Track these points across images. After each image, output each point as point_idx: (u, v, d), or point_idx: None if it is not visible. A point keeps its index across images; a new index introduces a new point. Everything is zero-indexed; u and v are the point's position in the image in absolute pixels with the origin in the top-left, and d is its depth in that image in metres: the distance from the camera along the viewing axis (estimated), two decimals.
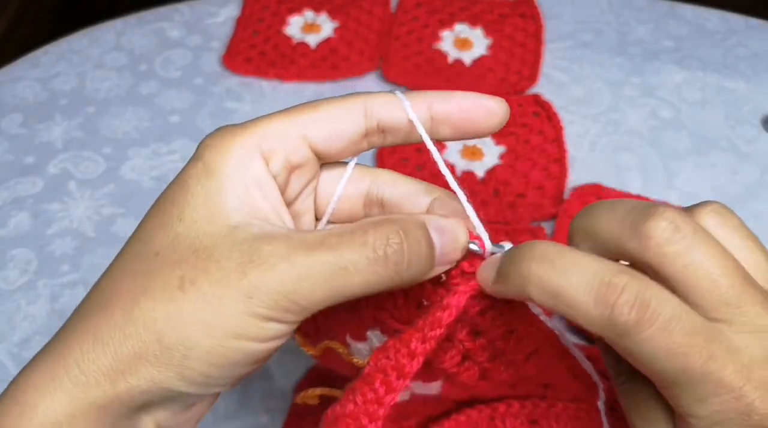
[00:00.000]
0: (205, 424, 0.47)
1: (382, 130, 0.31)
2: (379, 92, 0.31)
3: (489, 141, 0.61)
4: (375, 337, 0.34)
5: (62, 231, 0.57)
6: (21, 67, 0.68)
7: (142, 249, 0.28)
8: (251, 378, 0.47)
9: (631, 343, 0.24)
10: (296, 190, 0.31)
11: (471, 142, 0.61)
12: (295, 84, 0.66)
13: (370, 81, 0.67)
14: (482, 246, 0.29)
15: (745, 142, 0.62)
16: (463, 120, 0.31)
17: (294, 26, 0.70)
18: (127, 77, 0.67)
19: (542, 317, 0.31)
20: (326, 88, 0.66)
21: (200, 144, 0.29)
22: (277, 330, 0.27)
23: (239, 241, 0.27)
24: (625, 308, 0.24)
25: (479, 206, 0.56)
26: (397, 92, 0.31)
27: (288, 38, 0.69)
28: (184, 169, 0.29)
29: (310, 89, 0.66)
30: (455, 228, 0.29)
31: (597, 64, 0.68)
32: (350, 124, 0.30)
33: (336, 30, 0.70)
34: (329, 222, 0.33)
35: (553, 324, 0.32)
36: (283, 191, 0.30)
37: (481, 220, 0.30)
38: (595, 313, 0.24)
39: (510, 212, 0.56)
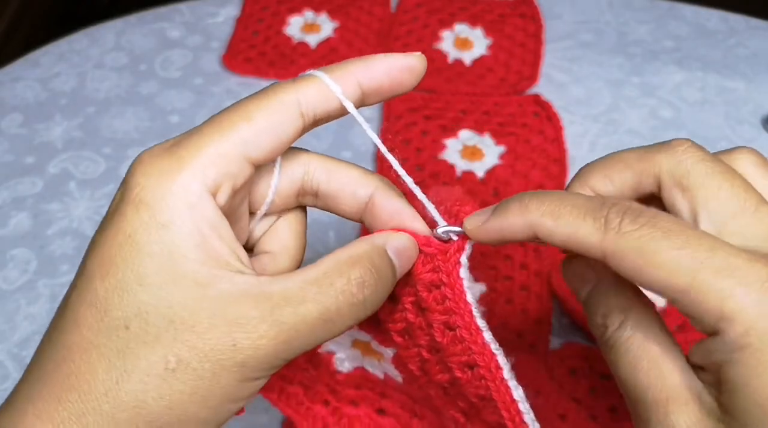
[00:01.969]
0: None
1: (319, 121, 0.29)
2: (305, 80, 0.29)
3: (489, 141, 0.61)
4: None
5: (62, 231, 0.57)
6: (21, 67, 0.68)
7: (104, 320, 0.26)
8: None
9: (629, 246, 0.25)
10: (236, 205, 0.30)
11: (471, 143, 0.61)
12: None
13: None
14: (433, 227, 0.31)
15: (745, 142, 0.62)
16: (390, 84, 0.30)
17: (294, 26, 0.70)
18: (127, 77, 0.67)
19: (486, 334, 0.31)
20: None
21: (131, 178, 0.26)
22: (264, 381, 0.27)
23: (217, 306, 0.26)
24: (619, 210, 0.25)
25: (479, 206, 0.56)
26: (321, 76, 0.29)
27: (288, 38, 0.69)
28: (119, 212, 0.26)
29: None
30: (410, 246, 0.30)
31: (597, 64, 0.68)
32: (290, 129, 0.28)
33: (336, 30, 0.70)
34: (265, 215, 0.32)
35: (498, 350, 0.31)
36: (226, 213, 0.28)
37: (431, 201, 0.31)
38: (592, 225, 0.25)
39: None
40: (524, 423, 0.32)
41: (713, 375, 0.25)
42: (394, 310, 0.33)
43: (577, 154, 0.61)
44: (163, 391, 0.25)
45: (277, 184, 0.30)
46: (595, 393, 0.47)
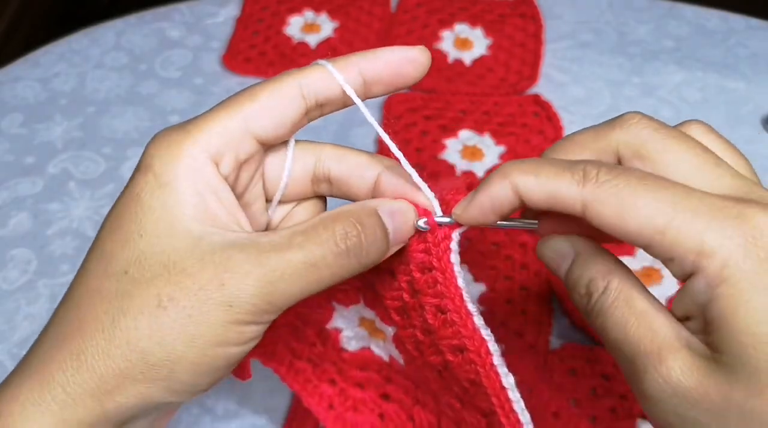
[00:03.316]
0: (205, 424, 0.47)
1: (320, 105, 0.31)
2: (309, 68, 0.31)
3: (489, 141, 0.61)
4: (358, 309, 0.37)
5: (62, 231, 0.57)
6: (21, 67, 0.68)
7: (107, 268, 0.28)
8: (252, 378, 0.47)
9: (607, 194, 0.26)
10: (245, 181, 0.32)
11: (471, 143, 0.61)
12: None
13: None
14: (430, 215, 0.31)
15: (745, 142, 0.62)
16: (393, 75, 0.31)
17: (294, 26, 0.70)
18: (127, 77, 0.67)
19: (476, 319, 0.32)
20: None
21: (145, 151, 0.29)
22: (255, 331, 0.28)
23: (207, 252, 0.28)
24: (594, 165, 0.27)
25: None
26: (325, 63, 0.31)
27: (288, 38, 0.69)
28: (132, 179, 0.29)
29: None
30: (404, 209, 0.31)
31: (597, 64, 0.68)
32: (291, 110, 0.30)
33: (336, 30, 0.70)
34: (280, 202, 0.34)
35: (488, 335, 0.32)
36: (233, 187, 0.31)
37: (429, 187, 0.32)
38: (571, 178, 0.27)
39: None
40: (513, 411, 0.32)
41: (698, 322, 0.26)
42: (392, 287, 0.34)
43: None
44: (154, 328, 0.27)
45: (290, 169, 0.32)
46: (595, 393, 0.47)
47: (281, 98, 0.30)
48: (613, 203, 0.26)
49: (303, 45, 0.69)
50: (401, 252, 0.32)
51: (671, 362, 0.26)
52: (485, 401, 0.33)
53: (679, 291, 0.27)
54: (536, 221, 0.32)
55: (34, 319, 0.52)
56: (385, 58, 0.31)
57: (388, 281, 0.34)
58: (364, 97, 0.32)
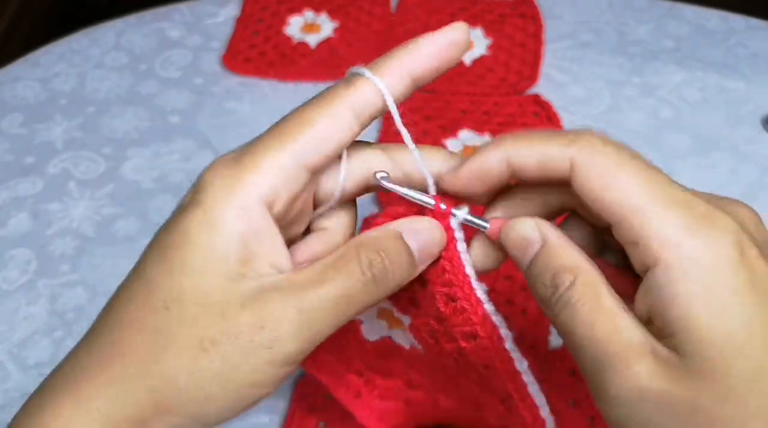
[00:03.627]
0: None
1: (372, 120, 0.31)
2: (357, 84, 0.30)
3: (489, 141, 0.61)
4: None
5: (62, 231, 0.57)
6: (21, 67, 0.68)
7: (148, 299, 0.29)
8: None
9: (596, 160, 0.27)
10: (297, 207, 0.31)
11: (471, 143, 0.61)
12: (295, 84, 0.66)
13: None
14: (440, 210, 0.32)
15: (745, 142, 0.62)
16: (438, 64, 0.31)
17: (294, 26, 0.70)
18: (127, 77, 0.67)
19: (486, 306, 0.32)
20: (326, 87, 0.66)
21: (200, 181, 0.29)
22: (289, 372, 0.29)
23: (247, 295, 0.28)
24: (585, 132, 0.28)
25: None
26: (371, 77, 0.31)
27: (288, 38, 0.69)
28: (182, 210, 0.29)
29: (310, 89, 0.66)
30: (428, 227, 0.31)
31: (597, 64, 0.68)
32: (347, 136, 0.30)
33: (336, 30, 0.70)
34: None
35: (500, 321, 0.32)
36: (284, 216, 0.30)
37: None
38: (561, 142, 0.28)
39: None
40: (529, 395, 0.32)
41: (659, 324, 0.26)
42: None
43: None
44: (194, 368, 0.28)
45: (343, 185, 0.32)
46: None
47: (336, 127, 0.30)
48: (600, 169, 0.27)
49: (303, 45, 0.69)
50: None
51: (638, 367, 0.25)
52: (501, 386, 0.33)
53: (638, 292, 0.27)
54: (487, 221, 0.31)
55: (34, 319, 0.52)
56: (427, 50, 0.31)
57: None
58: (413, 91, 0.32)
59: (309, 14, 0.71)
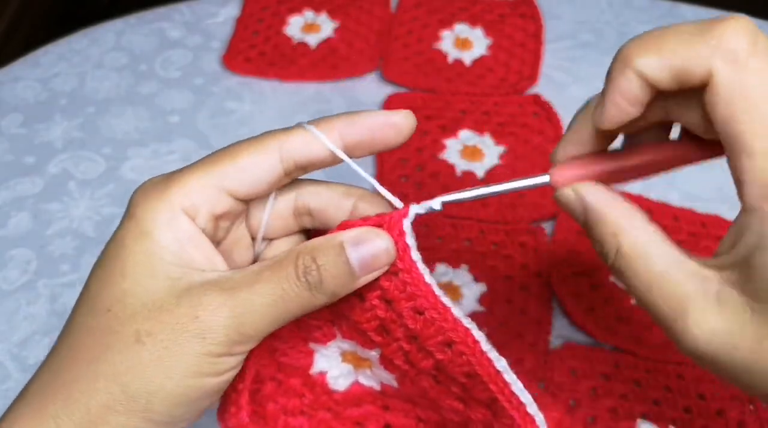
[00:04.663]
0: (204, 424, 0.47)
1: (301, 167, 0.33)
2: (292, 129, 0.32)
3: (489, 141, 0.61)
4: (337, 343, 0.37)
5: (62, 231, 0.57)
6: (21, 67, 0.68)
7: (93, 306, 0.31)
8: None
9: (746, 74, 0.25)
10: (225, 228, 0.34)
11: (471, 143, 0.61)
12: (295, 84, 0.66)
13: (370, 81, 0.67)
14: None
15: None
16: (373, 140, 0.32)
17: (294, 26, 0.70)
18: (127, 77, 0.67)
19: (454, 311, 0.32)
20: (326, 88, 0.66)
21: (131, 199, 0.32)
22: (228, 362, 0.31)
23: (184, 290, 0.30)
24: (735, 37, 0.26)
25: (479, 206, 0.56)
26: (308, 126, 0.32)
27: (288, 38, 0.69)
28: (119, 226, 0.32)
29: (310, 89, 0.66)
30: (371, 237, 0.31)
31: (597, 64, 0.68)
32: (268, 172, 0.32)
33: (336, 30, 0.70)
34: (264, 238, 0.36)
35: (471, 324, 0.32)
36: (212, 236, 0.33)
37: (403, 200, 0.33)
38: (704, 43, 0.26)
39: (510, 212, 0.56)
40: (513, 394, 0.32)
41: (736, 272, 0.26)
42: (364, 308, 0.34)
43: None
44: (134, 361, 0.29)
45: (269, 214, 0.35)
46: (595, 393, 0.47)
47: (259, 161, 0.32)
48: (742, 95, 0.25)
49: (303, 45, 0.69)
50: None
51: (698, 322, 0.26)
52: (485, 391, 0.33)
53: (730, 229, 0.27)
54: (547, 176, 0.31)
55: (34, 319, 0.52)
56: (366, 123, 0.32)
57: (358, 305, 0.34)
58: (342, 156, 0.33)
59: (309, 14, 0.71)
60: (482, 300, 0.51)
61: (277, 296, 0.30)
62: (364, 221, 0.32)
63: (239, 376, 0.35)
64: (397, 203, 0.33)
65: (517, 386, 0.33)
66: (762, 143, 0.25)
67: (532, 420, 0.33)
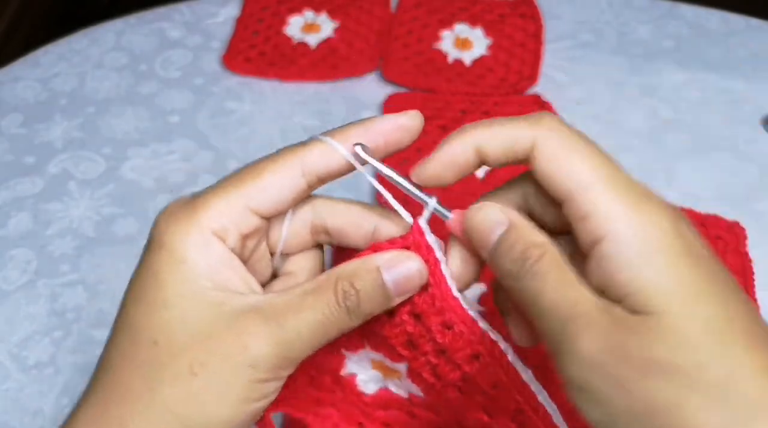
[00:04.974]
0: None
1: (321, 180, 0.33)
2: (309, 143, 0.33)
3: None
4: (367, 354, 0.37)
5: (62, 231, 0.57)
6: (21, 67, 0.68)
7: (137, 338, 0.31)
8: None
9: (559, 137, 0.30)
10: (251, 248, 0.34)
11: None
12: (295, 84, 0.66)
13: (370, 81, 0.67)
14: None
15: (745, 142, 0.62)
16: (386, 144, 0.33)
17: (294, 26, 0.70)
18: (127, 77, 0.67)
19: (481, 324, 0.33)
20: (326, 88, 0.66)
21: (156, 227, 0.32)
22: (274, 386, 0.31)
23: (231, 317, 0.30)
24: (547, 115, 0.31)
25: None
26: (325, 138, 0.33)
27: (288, 38, 0.69)
28: (147, 257, 0.31)
29: (310, 89, 0.66)
30: (404, 259, 0.32)
31: (597, 64, 0.68)
32: (292, 188, 0.32)
33: (336, 30, 0.70)
34: (282, 253, 0.36)
35: (497, 336, 0.33)
36: (240, 256, 0.33)
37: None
38: (524, 122, 0.30)
39: None
40: (540, 403, 0.33)
41: (610, 292, 0.28)
42: (393, 324, 0.34)
43: None
44: (189, 393, 0.30)
45: (288, 230, 0.35)
46: None
47: (283, 178, 0.32)
48: (558, 148, 0.29)
49: (303, 45, 0.69)
50: None
51: (599, 325, 0.27)
52: (511, 401, 0.33)
53: (588, 267, 0.29)
54: (450, 213, 0.33)
55: (34, 319, 0.52)
56: (378, 128, 0.33)
57: (387, 321, 0.34)
58: (363, 164, 0.33)
59: (309, 14, 0.71)
60: (483, 300, 0.51)
61: (320, 322, 0.31)
62: (392, 243, 0.33)
63: None
64: (406, 216, 0.33)
65: (543, 396, 0.33)
66: (590, 178, 0.29)
67: None
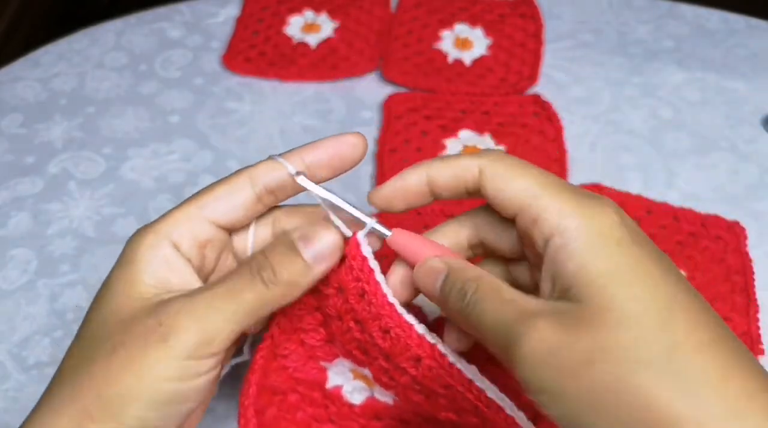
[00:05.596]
0: (204, 424, 0.47)
1: (271, 192, 0.36)
2: (260, 162, 0.36)
3: (489, 141, 0.61)
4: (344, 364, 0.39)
5: (62, 231, 0.57)
6: (21, 67, 0.68)
7: (81, 333, 0.34)
8: None
9: (503, 164, 0.34)
10: (213, 258, 0.37)
11: (471, 143, 0.61)
12: (295, 84, 0.66)
13: (370, 81, 0.67)
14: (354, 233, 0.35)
15: (745, 142, 0.62)
16: (333, 159, 0.36)
17: (294, 26, 0.70)
18: (127, 77, 0.67)
19: (418, 327, 0.34)
20: (326, 88, 0.66)
21: (127, 243, 0.35)
22: (197, 369, 0.32)
23: (153, 306, 0.33)
24: (489, 151, 0.35)
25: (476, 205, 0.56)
26: (274, 156, 0.36)
27: (288, 38, 0.69)
28: (113, 266, 0.35)
29: (310, 89, 0.66)
30: (317, 229, 0.34)
31: (597, 64, 0.68)
32: (241, 198, 0.36)
33: (336, 30, 0.70)
34: None
35: (436, 339, 0.35)
36: (201, 265, 0.36)
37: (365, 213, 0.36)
38: (470, 157, 0.35)
39: None
40: (490, 399, 0.34)
41: (559, 284, 0.30)
42: (343, 332, 0.36)
43: (576, 155, 0.61)
44: (108, 370, 0.32)
45: (253, 240, 0.38)
46: None
47: (232, 189, 0.36)
48: (503, 170, 0.33)
49: (303, 45, 0.69)
50: (343, 295, 0.35)
51: (540, 323, 0.29)
52: (464, 400, 0.34)
53: (542, 268, 0.31)
54: (389, 232, 0.35)
55: (34, 319, 0.52)
56: (324, 146, 0.36)
57: (339, 327, 0.36)
58: (312, 181, 0.36)
59: (309, 14, 0.71)
60: None
61: (230, 290, 0.33)
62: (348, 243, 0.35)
63: (244, 393, 0.38)
64: (345, 230, 0.35)
65: (492, 391, 0.34)
66: (537, 189, 0.32)
67: (513, 422, 0.34)
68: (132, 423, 0.31)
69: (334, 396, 0.40)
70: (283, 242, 0.34)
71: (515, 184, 0.33)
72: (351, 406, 0.40)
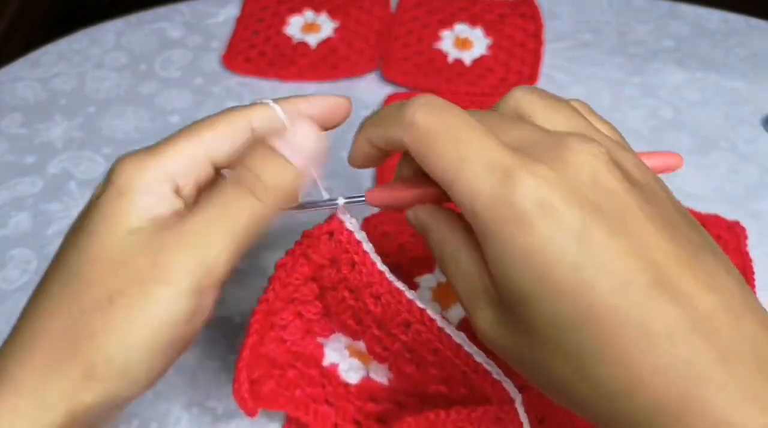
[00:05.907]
0: (204, 424, 0.47)
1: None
2: (255, 104, 0.35)
3: None
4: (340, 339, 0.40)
5: (62, 231, 0.57)
6: (21, 67, 0.68)
7: (64, 276, 0.31)
8: None
9: (415, 142, 0.30)
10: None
11: None
12: (295, 84, 0.66)
13: (370, 81, 0.67)
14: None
15: (745, 142, 0.62)
16: (324, 115, 0.36)
17: (294, 26, 0.70)
18: (127, 77, 0.67)
19: (408, 294, 0.35)
20: (326, 88, 0.66)
21: (111, 169, 0.32)
22: (200, 301, 0.30)
23: (144, 242, 0.30)
24: (413, 104, 0.31)
25: None
26: (269, 102, 0.35)
27: (288, 38, 0.69)
28: (95, 193, 0.32)
29: (310, 89, 0.66)
30: (298, 128, 0.33)
31: (597, 64, 0.68)
32: (240, 139, 0.34)
33: (336, 30, 0.70)
34: None
35: (425, 305, 0.36)
36: (190, 203, 0.33)
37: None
38: (397, 123, 0.31)
39: None
40: (478, 363, 0.35)
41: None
42: (338, 302, 0.37)
43: None
44: (108, 321, 0.29)
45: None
46: None
47: (235, 128, 0.34)
48: (419, 150, 0.30)
49: (303, 45, 0.69)
50: (336, 266, 0.35)
51: (481, 314, 0.29)
52: (453, 366, 0.36)
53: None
54: (363, 196, 0.35)
55: None
56: (317, 103, 0.36)
57: (336, 297, 0.37)
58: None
59: (309, 14, 0.71)
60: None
61: (221, 207, 0.31)
62: (319, 229, 0.36)
63: (239, 355, 0.37)
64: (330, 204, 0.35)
65: (480, 356, 0.35)
66: (448, 177, 0.29)
67: (501, 387, 0.35)
68: (136, 377, 0.30)
69: (331, 375, 0.41)
70: (258, 146, 0.32)
71: (430, 166, 0.30)
72: (347, 386, 0.41)
